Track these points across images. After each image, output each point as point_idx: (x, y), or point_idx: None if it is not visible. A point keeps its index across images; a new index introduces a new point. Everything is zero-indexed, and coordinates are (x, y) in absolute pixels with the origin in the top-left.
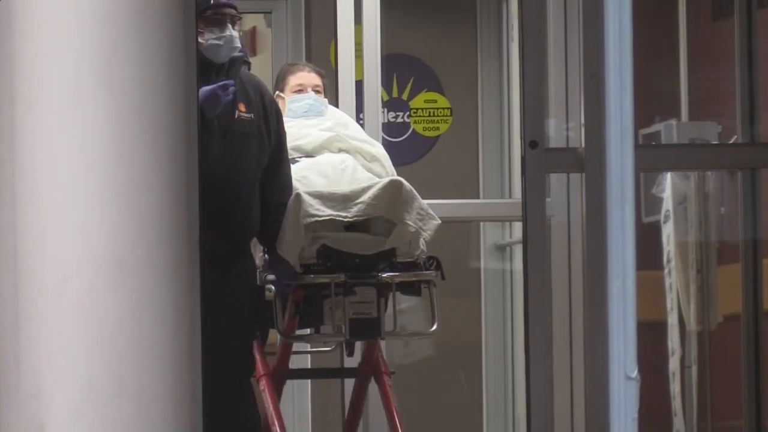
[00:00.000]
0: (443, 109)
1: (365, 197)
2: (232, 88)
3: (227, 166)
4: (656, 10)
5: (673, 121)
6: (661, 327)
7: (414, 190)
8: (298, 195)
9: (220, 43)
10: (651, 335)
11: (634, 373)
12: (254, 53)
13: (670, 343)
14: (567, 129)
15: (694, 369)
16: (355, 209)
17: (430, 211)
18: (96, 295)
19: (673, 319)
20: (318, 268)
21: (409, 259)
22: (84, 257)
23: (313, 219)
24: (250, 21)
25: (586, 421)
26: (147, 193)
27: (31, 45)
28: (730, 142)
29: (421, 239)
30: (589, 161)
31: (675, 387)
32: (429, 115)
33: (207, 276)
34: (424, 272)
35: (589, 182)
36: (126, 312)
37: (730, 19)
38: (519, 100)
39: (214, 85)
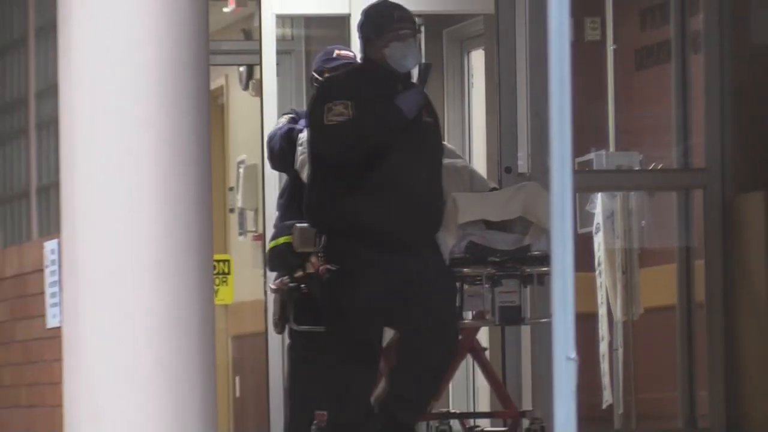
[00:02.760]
0: None
1: (511, 199)
2: (423, 94)
3: (426, 163)
4: (590, 60)
5: (603, 151)
6: (593, 318)
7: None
8: (454, 197)
9: (406, 55)
10: (585, 324)
11: (573, 355)
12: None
13: (600, 331)
14: (517, 158)
15: (620, 351)
16: (502, 211)
17: None
18: (140, 293)
19: (603, 311)
20: (465, 262)
21: (538, 253)
22: (131, 263)
23: (467, 219)
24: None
25: (533, 392)
26: (181, 212)
27: (89, 95)
28: (650, 168)
29: None
30: None
31: (604, 366)
32: None
33: (411, 263)
34: None
35: None
36: (163, 306)
37: (651, 69)
38: (493, 133)
39: (413, 91)
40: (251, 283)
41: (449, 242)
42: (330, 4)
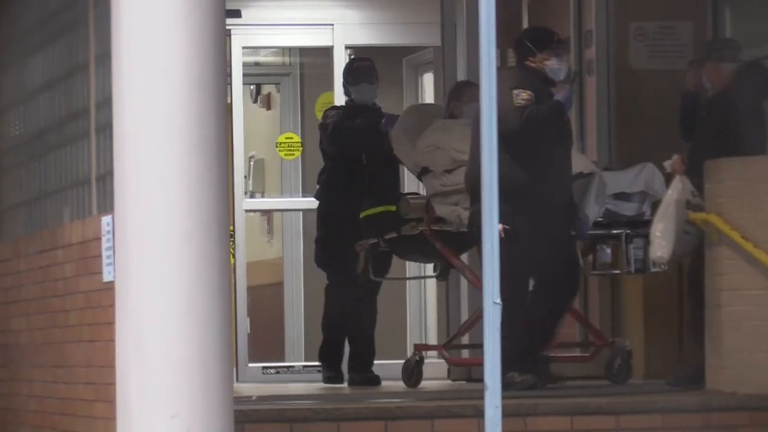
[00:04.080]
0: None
1: (636, 177)
2: (572, 96)
3: (568, 149)
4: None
5: None
6: None
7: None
8: (600, 174)
9: (561, 68)
10: None
11: (498, 300)
12: (269, 109)
13: None
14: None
15: None
16: (631, 185)
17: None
18: (173, 255)
19: None
20: (599, 225)
21: (649, 218)
22: (167, 232)
23: (614, 191)
24: (266, 88)
25: (471, 332)
26: (205, 193)
27: (135, 106)
28: None
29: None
30: None
31: None
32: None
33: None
34: None
35: None
36: (191, 265)
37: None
38: None
39: (568, 90)
40: (258, 248)
41: (596, 209)
42: (297, 37)
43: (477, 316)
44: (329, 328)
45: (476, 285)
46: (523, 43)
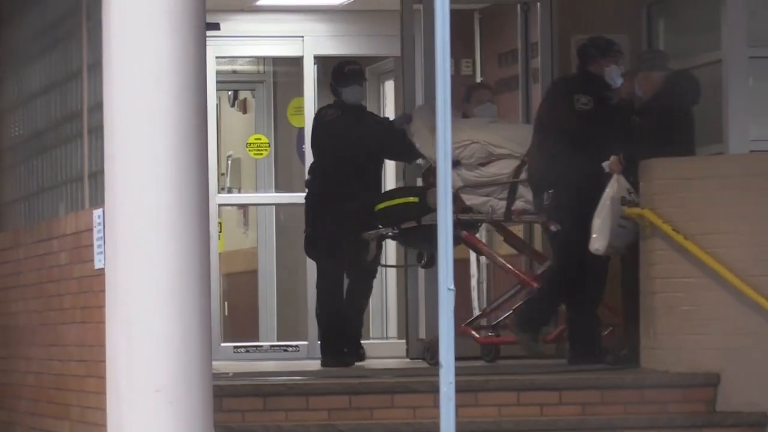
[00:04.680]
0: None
1: None
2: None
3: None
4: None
5: None
6: (466, 262)
7: None
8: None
9: (619, 75)
10: (462, 266)
11: (452, 286)
12: (245, 113)
13: (471, 270)
14: None
15: (484, 284)
16: None
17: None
18: (158, 246)
19: (473, 258)
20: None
21: None
22: (153, 225)
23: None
24: (243, 94)
25: (427, 315)
26: (187, 189)
27: (124, 110)
28: None
29: None
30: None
31: (474, 294)
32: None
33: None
34: None
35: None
36: (174, 254)
37: (505, 94)
38: None
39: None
40: (235, 239)
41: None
42: (270, 48)
43: (504, 300)
44: (330, 320)
45: (506, 269)
46: (586, 49)
